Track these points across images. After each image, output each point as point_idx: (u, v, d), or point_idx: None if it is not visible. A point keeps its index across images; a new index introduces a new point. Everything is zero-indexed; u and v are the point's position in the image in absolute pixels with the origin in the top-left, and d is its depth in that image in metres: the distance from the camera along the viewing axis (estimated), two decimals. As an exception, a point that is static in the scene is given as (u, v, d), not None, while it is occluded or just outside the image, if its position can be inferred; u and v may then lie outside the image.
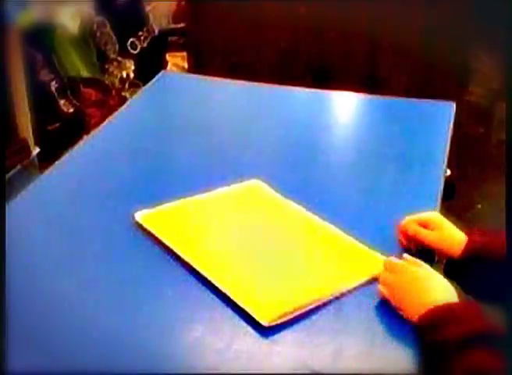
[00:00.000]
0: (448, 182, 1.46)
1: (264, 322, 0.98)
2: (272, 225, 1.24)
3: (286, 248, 1.18)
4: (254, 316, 0.99)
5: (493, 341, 0.90)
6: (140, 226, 1.20)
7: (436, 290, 1.00)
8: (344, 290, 1.06)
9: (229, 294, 1.03)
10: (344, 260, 1.13)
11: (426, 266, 1.05)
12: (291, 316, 1.00)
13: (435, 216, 1.17)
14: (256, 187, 1.34)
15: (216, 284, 1.05)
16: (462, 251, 1.10)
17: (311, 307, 1.02)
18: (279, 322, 0.99)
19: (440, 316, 0.95)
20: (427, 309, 0.96)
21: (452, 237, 1.13)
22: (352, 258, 1.13)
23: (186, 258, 1.11)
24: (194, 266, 1.10)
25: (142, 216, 1.21)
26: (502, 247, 1.01)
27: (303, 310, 1.01)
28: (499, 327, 0.91)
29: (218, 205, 1.28)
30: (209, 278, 1.07)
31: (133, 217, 1.21)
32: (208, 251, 1.14)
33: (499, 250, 1.04)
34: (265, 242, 1.19)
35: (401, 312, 1.01)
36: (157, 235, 1.17)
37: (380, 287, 1.04)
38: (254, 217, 1.26)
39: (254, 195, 1.32)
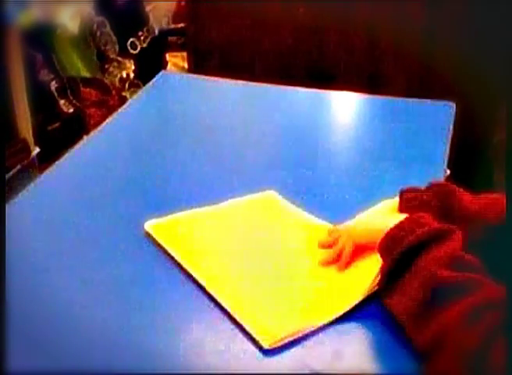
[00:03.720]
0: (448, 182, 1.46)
1: (265, 344, 0.96)
2: (284, 242, 1.20)
3: (298, 268, 1.14)
4: (256, 338, 0.97)
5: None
6: (149, 236, 1.18)
7: (383, 217, 1.06)
8: (347, 309, 1.03)
9: (235, 316, 1.01)
10: (354, 281, 1.08)
11: None
12: (291, 339, 0.97)
13: None
14: (270, 200, 1.30)
15: (224, 305, 1.03)
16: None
17: (312, 329, 1.00)
18: (279, 345, 0.96)
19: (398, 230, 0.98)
20: (385, 232, 0.98)
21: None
22: (360, 278, 1.08)
23: (194, 274, 1.09)
24: (201, 283, 1.07)
25: (151, 225, 1.20)
26: (421, 196, 1.08)
27: (304, 332, 0.99)
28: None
29: (230, 218, 1.25)
30: (218, 299, 1.04)
31: (142, 226, 1.19)
32: (216, 269, 1.12)
33: (419, 200, 1.08)
34: (276, 261, 1.15)
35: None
36: (165, 247, 1.15)
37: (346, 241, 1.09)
38: (266, 233, 1.23)
39: (267, 209, 1.28)
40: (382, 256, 1.00)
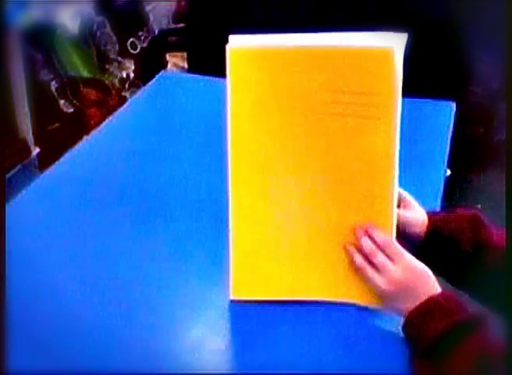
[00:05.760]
0: (448, 182, 1.46)
1: (232, 295, 1.01)
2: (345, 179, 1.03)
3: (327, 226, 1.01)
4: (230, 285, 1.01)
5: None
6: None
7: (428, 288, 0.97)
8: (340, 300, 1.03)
9: (231, 249, 1.01)
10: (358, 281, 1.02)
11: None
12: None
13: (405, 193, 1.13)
14: (383, 58, 0.98)
15: (230, 233, 1.00)
16: (425, 233, 1.07)
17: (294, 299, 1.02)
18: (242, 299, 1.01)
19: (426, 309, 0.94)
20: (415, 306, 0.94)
21: (416, 218, 1.09)
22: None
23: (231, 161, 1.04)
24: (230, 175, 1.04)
25: (234, 49, 1.00)
26: (456, 221, 1.07)
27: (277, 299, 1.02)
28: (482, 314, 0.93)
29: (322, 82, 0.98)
30: (231, 227, 1.00)
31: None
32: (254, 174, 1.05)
33: (455, 224, 1.07)
34: (318, 206, 1.01)
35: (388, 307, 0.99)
36: (230, 85, 1.03)
37: (378, 278, 0.97)
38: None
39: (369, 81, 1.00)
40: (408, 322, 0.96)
